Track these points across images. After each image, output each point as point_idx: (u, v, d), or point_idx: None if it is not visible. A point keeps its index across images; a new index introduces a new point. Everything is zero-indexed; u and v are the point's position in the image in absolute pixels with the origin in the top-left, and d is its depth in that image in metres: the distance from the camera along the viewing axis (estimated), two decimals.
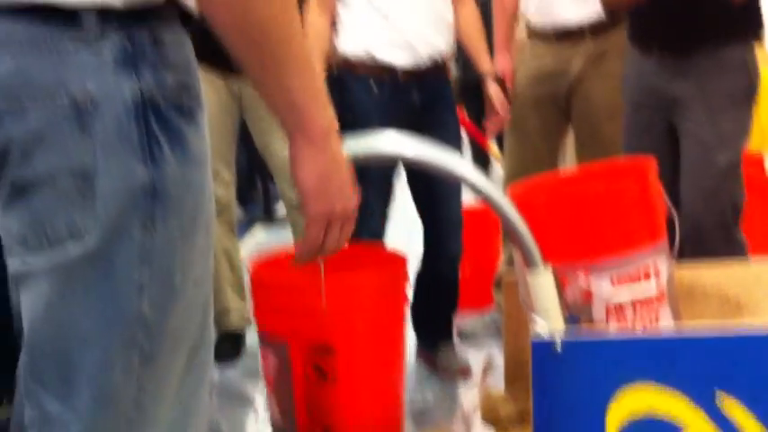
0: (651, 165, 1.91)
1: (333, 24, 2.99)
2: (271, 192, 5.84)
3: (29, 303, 1.03)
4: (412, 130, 2.80)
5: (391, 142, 1.74)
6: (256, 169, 5.74)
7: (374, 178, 2.91)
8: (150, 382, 1.06)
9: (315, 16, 2.97)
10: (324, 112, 1.10)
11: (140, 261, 1.00)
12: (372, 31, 2.92)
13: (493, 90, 3.10)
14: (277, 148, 3.25)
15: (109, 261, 1.00)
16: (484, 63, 3.12)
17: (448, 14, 3.02)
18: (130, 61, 0.97)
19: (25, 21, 0.94)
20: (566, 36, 3.09)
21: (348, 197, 1.16)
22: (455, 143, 3.08)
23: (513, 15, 3.27)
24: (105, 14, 0.96)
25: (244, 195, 5.58)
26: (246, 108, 3.29)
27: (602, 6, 2.82)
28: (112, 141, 0.96)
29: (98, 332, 1.02)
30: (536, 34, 3.18)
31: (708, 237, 2.54)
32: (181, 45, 1.02)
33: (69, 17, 0.95)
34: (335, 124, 1.12)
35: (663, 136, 2.65)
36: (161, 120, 0.99)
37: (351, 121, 2.91)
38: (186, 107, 1.02)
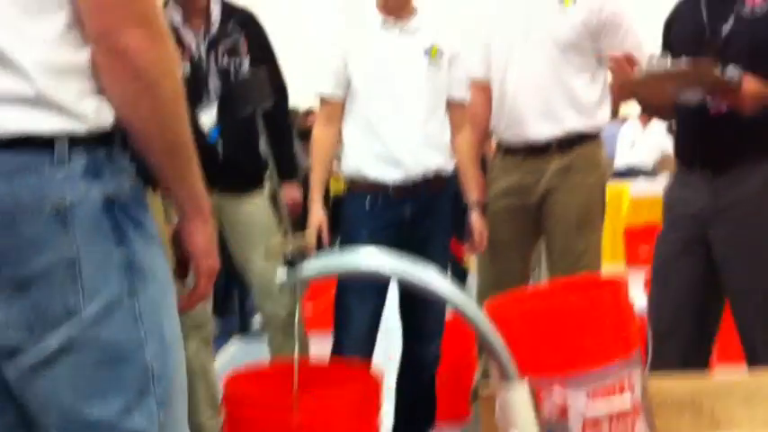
0: (622, 280, 1.96)
1: (338, 139, 3.08)
2: (247, 305, 5.83)
3: (47, 384, 1.24)
4: (401, 243, 2.86)
5: (369, 259, 1.77)
6: (233, 282, 5.74)
7: (365, 291, 2.97)
8: (168, 424, 1.30)
9: (320, 129, 3.08)
10: (207, 197, 1.43)
11: (134, 320, 1.26)
12: (365, 149, 3.00)
13: (476, 221, 3.14)
14: (256, 263, 3.27)
15: (108, 326, 1.24)
16: (471, 193, 3.16)
17: (442, 135, 3.09)
18: (94, 173, 1.25)
19: (11, 151, 1.20)
20: (535, 151, 3.17)
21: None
22: (441, 256, 3.11)
23: (483, 130, 3.35)
24: (72, 140, 1.23)
25: (220, 308, 5.57)
26: (226, 222, 3.32)
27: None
28: (89, 233, 1.23)
29: (115, 386, 1.25)
30: (506, 149, 3.27)
31: (762, 357, 2.53)
32: (127, 156, 1.32)
33: (46, 145, 1.21)
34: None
35: (698, 248, 2.62)
36: (123, 211, 1.27)
37: (344, 235, 3.03)
38: (140, 199, 1.32)
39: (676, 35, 2.66)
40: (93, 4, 1.21)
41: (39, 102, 1.20)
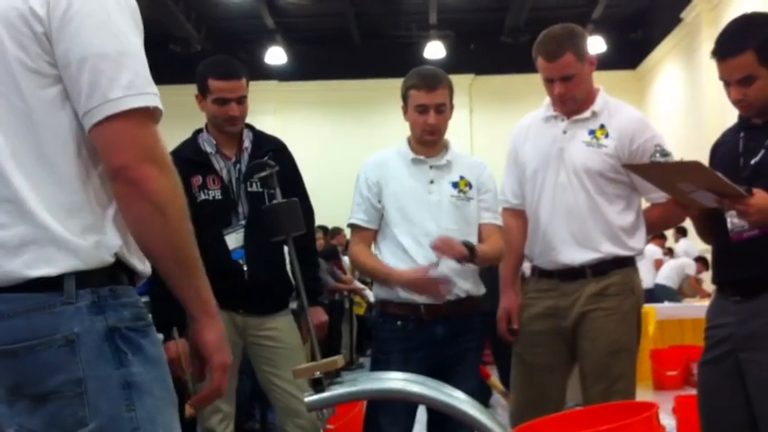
0: (654, 407, 1.93)
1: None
2: (268, 423, 5.74)
3: None
4: (434, 363, 2.94)
5: (395, 384, 1.76)
6: (257, 398, 5.67)
7: (397, 411, 2.98)
8: None
9: (358, 246, 3.22)
10: (213, 299, 1.60)
11: (133, 430, 1.48)
12: None
13: (501, 331, 3.17)
14: (281, 383, 3.26)
15: None
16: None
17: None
18: (98, 308, 1.50)
19: (27, 293, 1.47)
20: (569, 275, 3.15)
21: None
22: (472, 376, 3.15)
23: (519, 255, 3.34)
24: (79, 279, 1.49)
25: (242, 426, 5.48)
26: (251, 342, 3.33)
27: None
28: (93, 358, 1.48)
29: None
30: (540, 273, 3.26)
31: None
32: (130, 290, 1.57)
33: (56, 284, 1.48)
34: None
35: (734, 372, 2.64)
36: (124, 339, 1.52)
37: (376, 355, 3.15)
38: (141, 327, 1.55)
39: (718, 161, 2.77)
40: (110, 144, 1.48)
41: (45, 241, 1.47)
